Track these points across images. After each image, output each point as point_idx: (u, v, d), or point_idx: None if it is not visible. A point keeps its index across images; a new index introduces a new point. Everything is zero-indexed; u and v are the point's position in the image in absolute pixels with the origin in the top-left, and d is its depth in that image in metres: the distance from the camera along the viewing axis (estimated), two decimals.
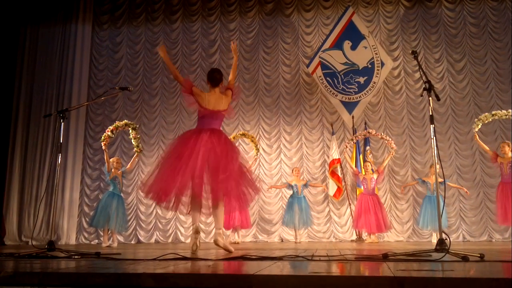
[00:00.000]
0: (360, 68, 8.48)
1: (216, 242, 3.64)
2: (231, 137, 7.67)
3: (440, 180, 5.54)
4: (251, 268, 2.20)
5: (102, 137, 6.68)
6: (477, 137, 6.72)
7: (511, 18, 8.51)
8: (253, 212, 8.22)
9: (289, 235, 8.08)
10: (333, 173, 8.25)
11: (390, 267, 2.12)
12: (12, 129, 8.73)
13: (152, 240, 8.35)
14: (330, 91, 8.45)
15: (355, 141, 7.94)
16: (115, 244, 6.68)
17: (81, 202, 8.59)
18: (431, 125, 3.22)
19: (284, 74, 8.96)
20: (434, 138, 3.19)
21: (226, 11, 9.27)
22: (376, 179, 7.29)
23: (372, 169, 7.34)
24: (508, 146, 6.50)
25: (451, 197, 8.01)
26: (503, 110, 6.72)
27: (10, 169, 8.54)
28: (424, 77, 3.29)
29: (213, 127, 3.86)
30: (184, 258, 2.81)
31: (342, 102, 8.41)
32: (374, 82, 8.41)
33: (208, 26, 9.26)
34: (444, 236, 2.91)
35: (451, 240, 2.87)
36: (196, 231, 3.67)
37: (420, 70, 3.42)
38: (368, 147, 8.31)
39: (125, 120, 7.06)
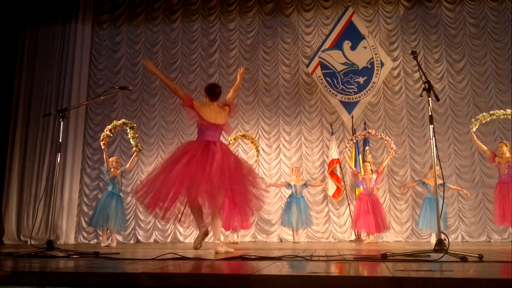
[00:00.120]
0: (360, 68, 8.49)
1: (217, 252, 3.64)
2: (231, 138, 7.68)
3: (440, 182, 5.54)
4: (250, 268, 2.20)
5: (101, 137, 6.68)
6: (475, 137, 6.71)
7: (511, 19, 8.52)
8: None
9: (288, 235, 8.08)
10: (332, 173, 8.25)
11: (388, 267, 2.12)
12: (11, 128, 8.72)
13: (151, 240, 8.35)
14: (330, 91, 8.46)
15: (354, 141, 7.95)
16: (114, 244, 6.68)
17: (80, 201, 8.58)
18: (431, 126, 3.22)
19: (284, 74, 8.96)
20: (434, 138, 3.19)
21: (226, 10, 9.27)
22: (376, 179, 7.29)
23: (371, 169, 7.34)
24: (506, 146, 6.50)
25: (450, 198, 8.01)
26: (501, 110, 6.73)
27: (9, 168, 8.53)
28: (423, 77, 3.29)
29: (215, 139, 3.96)
30: (183, 258, 2.81)
31: (341, 102, 8.41)
32: (374, 82, 8.42)
33: (208, 26, 9.26)
34: (443, 236, 2.91)
35: (450, 240, 2.87)
36: (206, 233, 3.82)
37: (420, 70, 3.42)
38: (367, 147, 8.31)
39: (123, 119, 7.06)
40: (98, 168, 8.56)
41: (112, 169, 6.76)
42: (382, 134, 7.71)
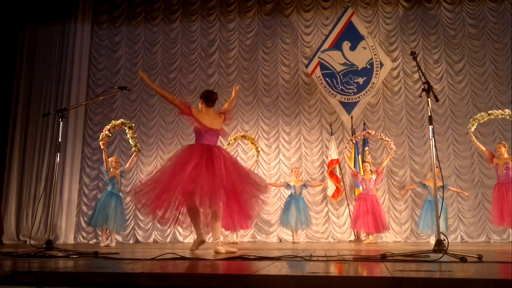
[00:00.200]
0: (359, 69, 8.49)
1: (217, 252, 3.65)
2: (231, 138, 7.69)
3: (440, 184, 5.53)
4: (249, 268, 2.20)
5: (100, 137, 6.67)
6: (473, 137, 6.70)
7: (510, 20, 8.52)
8: None
9: (288, 236, 8.08)
10: (332, 174, 8.25)
11: (388, 267, 2.12)
12: (10, 128, 8.72)
13: (151, 240, 8.35)
14: (329, 91, 8.46)
15: (354, 141, 7.95)
16: (113, 244, 6.67)
17: (79, 201, 8.57)
18: (430, 126, 3.22)
19: (283, 74, 8.96)
20: (433, 139, 3.19)
21: (226, 11, 9.27)
22: (375, 179, 7.29)
23: (370, 170, 7.35)
24: (505, 147, 6.50)
25: (450, 198, 8.02)
26: (499, 110, 6.72)
27: (9, 168, 8.52)
28: (423, 78, 3.29)
29: (214, 144, 4.03)
30: (183, 258, 2.81)
31: (341, 102, 8.42)
32: (373, 83, 8.42)
33: (208, 26, 9.26)
34: (442, 237, 2.91)
35: (449, 241, 2.87)
36: (201, 243, 3.95)
37: (419, 71, 3.42)
38: (366, 148, 8.31)
39: (121, 119, 7.05)
40: (98, 168, 8.55)
41: (111, 169, 6.75)
42: (381, 134, 7.72)
